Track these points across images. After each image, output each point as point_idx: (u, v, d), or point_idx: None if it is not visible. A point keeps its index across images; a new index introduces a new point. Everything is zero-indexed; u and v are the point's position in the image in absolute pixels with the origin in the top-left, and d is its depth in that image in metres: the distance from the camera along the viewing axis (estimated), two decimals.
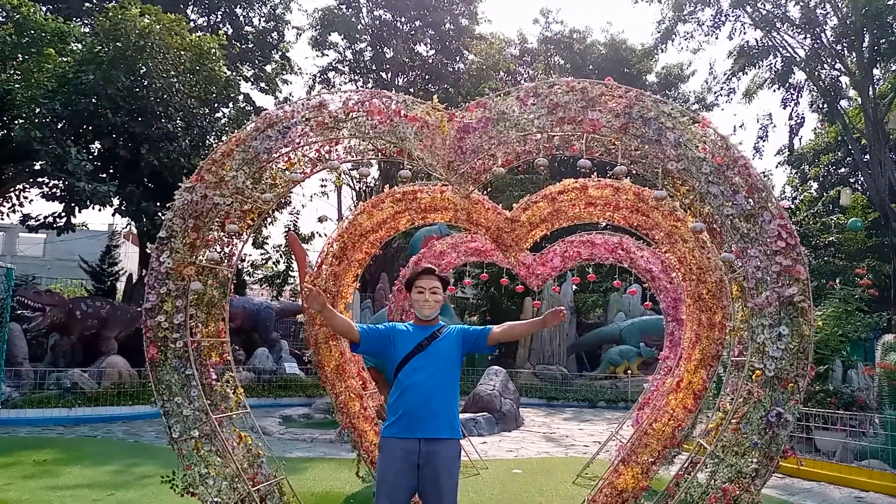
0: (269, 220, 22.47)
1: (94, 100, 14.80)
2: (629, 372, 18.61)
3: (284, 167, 4.41)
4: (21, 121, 13.24)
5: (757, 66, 25.69)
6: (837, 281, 12.45)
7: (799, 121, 28.21)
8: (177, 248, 4.18)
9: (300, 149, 4.32)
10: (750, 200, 3.51)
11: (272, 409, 13.65)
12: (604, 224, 7.33)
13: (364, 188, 24.93)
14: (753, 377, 3.45)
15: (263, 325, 17.90)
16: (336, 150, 4.41)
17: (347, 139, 4.33)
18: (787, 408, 3.31)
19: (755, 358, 3.43)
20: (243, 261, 23.81)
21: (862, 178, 27.98)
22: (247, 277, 24.59)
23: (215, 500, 3.82)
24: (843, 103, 24.27)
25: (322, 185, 26.09)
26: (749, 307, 3.47)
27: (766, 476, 3.29)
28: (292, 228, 23.91)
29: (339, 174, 23.13)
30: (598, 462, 7.96)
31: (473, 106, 4.06)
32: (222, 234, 4.42)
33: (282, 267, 26.17)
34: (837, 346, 11.13)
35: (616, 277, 8.52)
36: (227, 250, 4.52)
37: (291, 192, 22.64)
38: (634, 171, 4.15)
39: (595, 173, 5.88)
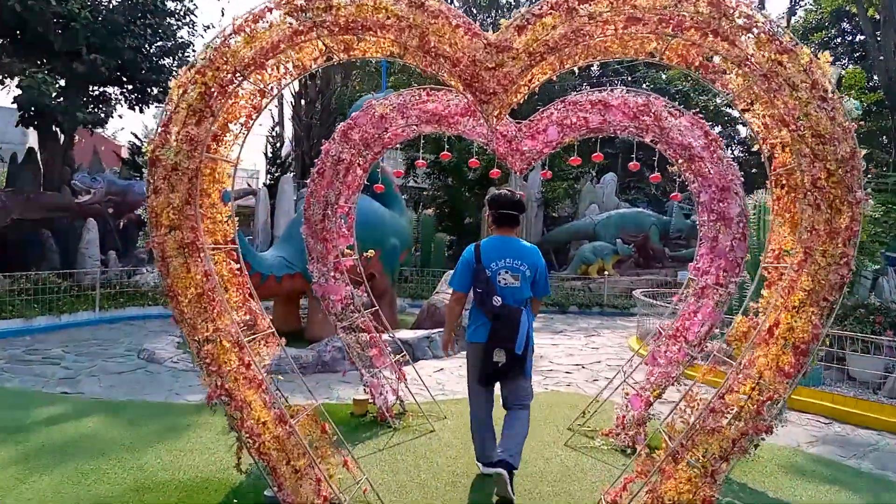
0: None
1: None
2: (606, 273, 16.66)
3: None
4: None
5: None
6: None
7: None
8: None
9: None
10: None
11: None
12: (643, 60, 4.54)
13: None
14: None
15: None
16: None
17: None
18: None
19: None
20: (136, 136, 20.49)
21: (850, 63, 25.66)
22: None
23: None
24: None
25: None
26: None
27: None
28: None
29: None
30: (597, 403, 5.90)
31: None
32: None
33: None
34: (873, 248, 9.19)
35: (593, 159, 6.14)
36: None
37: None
38: None
39: None
